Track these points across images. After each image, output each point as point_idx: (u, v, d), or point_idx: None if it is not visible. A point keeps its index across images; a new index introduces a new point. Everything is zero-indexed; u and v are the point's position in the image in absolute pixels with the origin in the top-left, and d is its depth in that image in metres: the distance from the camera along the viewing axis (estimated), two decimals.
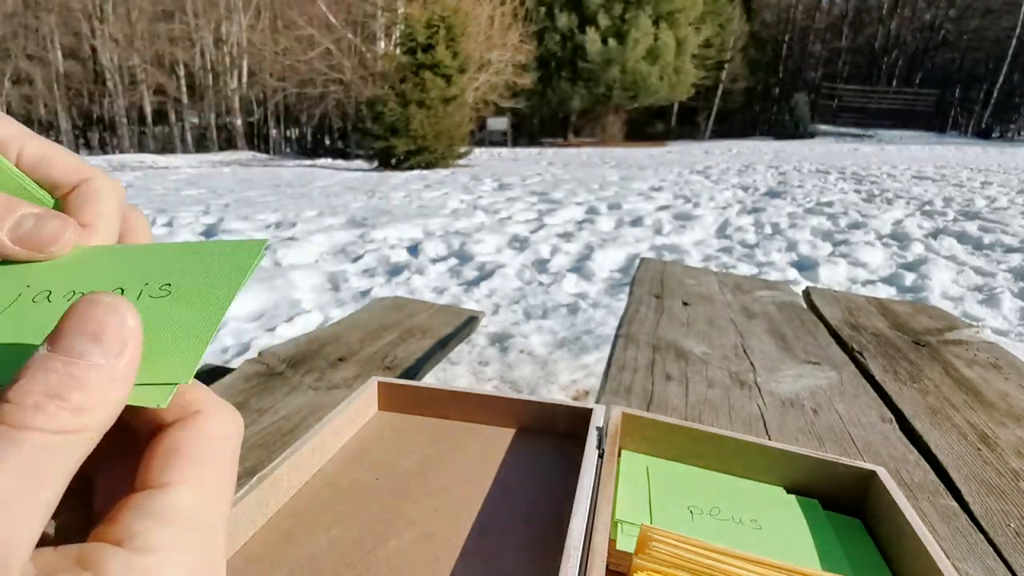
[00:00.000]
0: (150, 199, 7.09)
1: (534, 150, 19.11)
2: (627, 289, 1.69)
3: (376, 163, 13.58)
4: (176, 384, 0.20)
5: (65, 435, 0.16)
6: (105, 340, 0.17)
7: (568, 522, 0.31)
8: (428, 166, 12.75)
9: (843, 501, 0.40)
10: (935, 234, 4.62)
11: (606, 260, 3.69)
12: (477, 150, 17.28)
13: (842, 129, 29.24)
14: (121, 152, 19.09)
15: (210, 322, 0.24)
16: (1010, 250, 4.06)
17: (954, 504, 0.66)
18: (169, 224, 5.09)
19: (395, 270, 3.49)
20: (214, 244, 0.28)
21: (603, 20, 22.06)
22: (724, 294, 1.52)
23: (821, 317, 1.36)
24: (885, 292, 3.24)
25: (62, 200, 0.27)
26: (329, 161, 16.95)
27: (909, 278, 3.39)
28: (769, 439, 0.45)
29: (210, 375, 1.14)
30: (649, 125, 27.76)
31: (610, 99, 23.31)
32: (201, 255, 0.28)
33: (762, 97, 32.61)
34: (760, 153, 15.44)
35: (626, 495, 0.38)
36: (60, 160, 0.26)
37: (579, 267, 3.51)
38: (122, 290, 0.26)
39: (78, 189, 0.27)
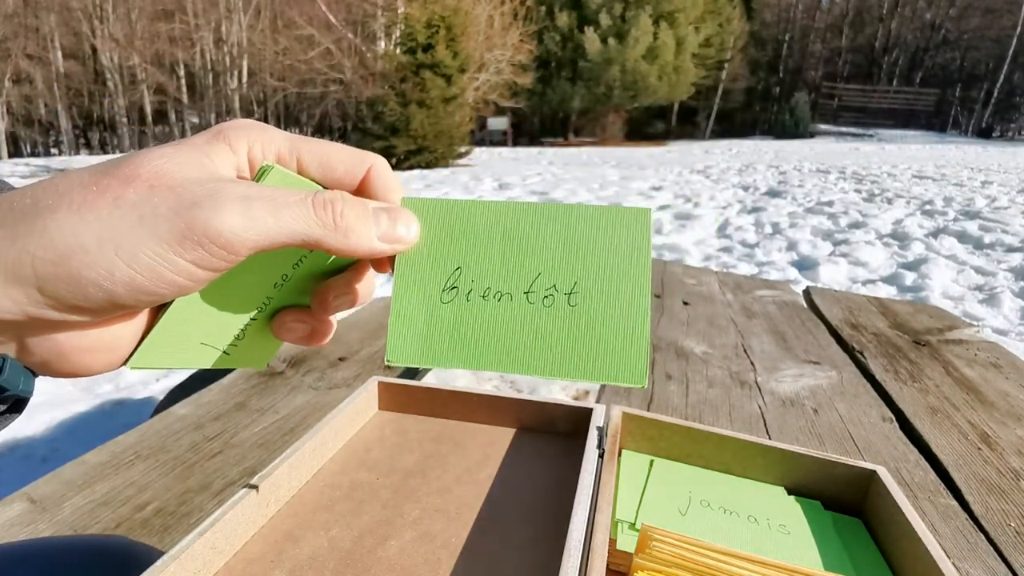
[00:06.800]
0: None
1: (534, 149, 19.09)
2: None
3: None
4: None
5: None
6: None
7: (568, 522, 0.31)
8: (428, 166, 12.75)
9: (843, 501, 0.40)
10: (935, 234, 4.61)
11: None
12: (477, 149, 17.28)
13: (842, 129, 29.23)
14: (122, 152, 19.09)
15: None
16: (1010, 249, 4.06)
17: (954, 503, 0.66)
18: None
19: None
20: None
21: (603, 19, 22.04)
22: (724, 294, 1.52)
23: (821, 317, 1.36)
24: (885, 292, 3.24)
25: (361, 193, 0.27)
26: None
27: (909, 278, 3.39)
28: (769, 439, 0.45)
29: (211, 375, 1.14)
30: (649, 125, 27.73)
31: (610, 99, 23.30)
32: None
33: (762, 97, 32.58)
34: (760, 153, 15.43)
35: (626, 495, 0.38)
36: (337, 156, 0.27)
37: None
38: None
39: (368, 178, 0.27)
